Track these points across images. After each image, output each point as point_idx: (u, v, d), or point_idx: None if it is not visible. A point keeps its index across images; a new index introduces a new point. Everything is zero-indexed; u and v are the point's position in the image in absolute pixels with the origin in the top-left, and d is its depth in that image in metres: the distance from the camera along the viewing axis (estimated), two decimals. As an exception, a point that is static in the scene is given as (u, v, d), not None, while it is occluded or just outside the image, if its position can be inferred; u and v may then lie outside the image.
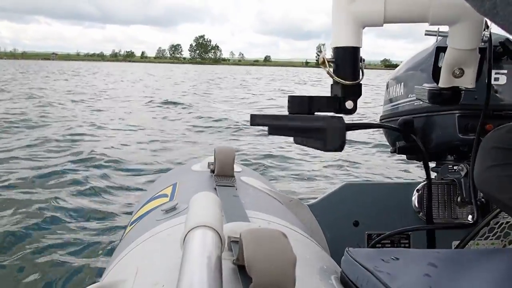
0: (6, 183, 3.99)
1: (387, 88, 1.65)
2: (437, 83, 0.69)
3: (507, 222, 1.33)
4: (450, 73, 0.66)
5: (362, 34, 0.67)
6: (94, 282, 0.60)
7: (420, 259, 0.68)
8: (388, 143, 1.66)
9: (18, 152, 5.37)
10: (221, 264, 0.47)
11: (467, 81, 0.66)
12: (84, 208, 3.48)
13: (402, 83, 1.49)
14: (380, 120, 1.67)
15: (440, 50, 0.70)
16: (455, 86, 0.67)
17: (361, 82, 0.73)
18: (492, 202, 0.84)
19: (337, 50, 0.71)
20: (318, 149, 0.74)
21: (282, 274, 0.46)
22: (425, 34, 0.70)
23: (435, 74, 0.71)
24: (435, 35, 0.67)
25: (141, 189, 3.90)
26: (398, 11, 0.63)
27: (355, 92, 0.72)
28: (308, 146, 0.76)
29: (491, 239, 1.22)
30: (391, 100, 1.60)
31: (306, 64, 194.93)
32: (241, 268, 0.55)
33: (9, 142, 6.04)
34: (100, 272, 2.26)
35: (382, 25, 0.66)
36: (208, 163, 1.21)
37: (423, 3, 0.62)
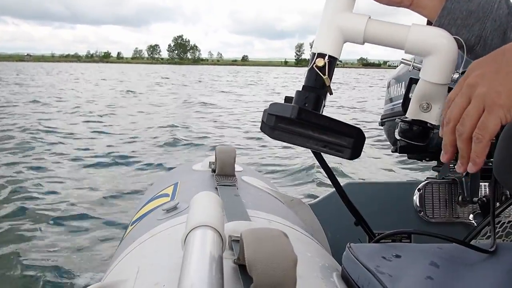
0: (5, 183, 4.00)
1: (388, 87, 1.65)
2: (405, 113, 0.69)
3: (509, 222, 1.33)
4: (418, 105, 0.67)
5: (342, 48, 0.67)
6: (96, 282, 0.60)
7: (422, 256, 0.68)
8: (389, 143, 1.66)
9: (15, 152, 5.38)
10: (222, 264, 0.47)
11: (433, 117, 0.66)
12: (84, 207, 3.48)
13: (403, 83, 1.49)
14: (381, 119, 1.67)
15: (412, 81, 0.70)
16: (422, 120, 0.66)
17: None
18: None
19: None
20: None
21: (282, 274, 0.46)
22: (401, 63, 0.71)
23: (405, 104, 0.71)
24: (410, 65, 0.67)
25: (142, 189, 3.90)
26: (377, 34, 0.64)
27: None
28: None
29: None
30: (391, 100, 1.59)
31: (286, 63, 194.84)
32: (242, 268, 0.55)
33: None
34: (101, 271, 2.26)
35: (362, 44, 0.67)
36: (209, 162, 1.21)
37: (401, 31, 0.63)
